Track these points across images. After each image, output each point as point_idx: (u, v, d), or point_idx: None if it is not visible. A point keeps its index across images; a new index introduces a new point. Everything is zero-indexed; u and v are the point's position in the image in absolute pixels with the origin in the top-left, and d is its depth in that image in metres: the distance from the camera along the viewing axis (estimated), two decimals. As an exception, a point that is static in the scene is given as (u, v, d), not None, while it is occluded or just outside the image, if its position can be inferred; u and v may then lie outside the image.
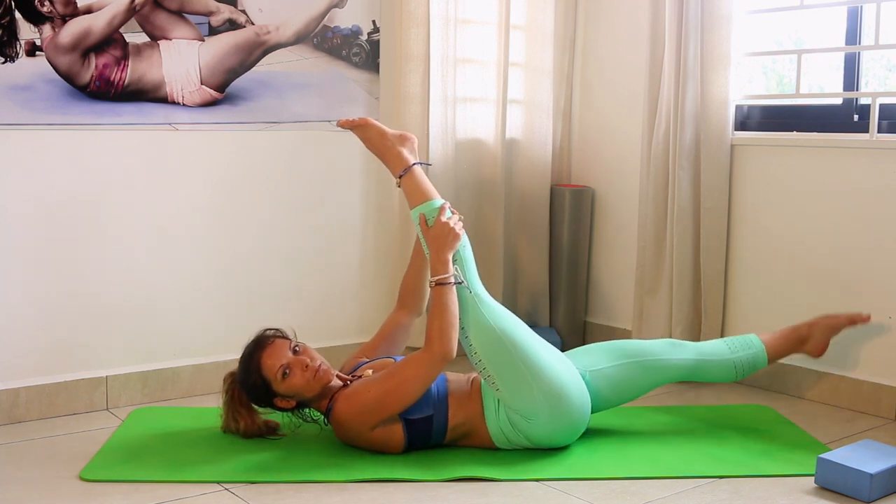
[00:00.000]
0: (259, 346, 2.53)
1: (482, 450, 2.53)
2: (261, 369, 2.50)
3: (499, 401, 2.51)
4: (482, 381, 2.55)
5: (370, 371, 2.61)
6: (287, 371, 2.48)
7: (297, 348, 2.53)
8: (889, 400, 2.93)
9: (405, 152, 2.62)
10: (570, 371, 2.55)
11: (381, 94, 3.43)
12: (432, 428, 2.49)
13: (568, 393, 2.49)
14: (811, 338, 2.80)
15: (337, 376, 2.58)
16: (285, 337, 2.58)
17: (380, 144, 2.65)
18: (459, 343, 2.48)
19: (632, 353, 2.68)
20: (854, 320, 2.82)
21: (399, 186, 2.62)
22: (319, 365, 2.51)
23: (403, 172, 2.59)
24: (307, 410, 2.60)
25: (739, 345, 2.74)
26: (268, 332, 2.59)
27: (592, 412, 2.63)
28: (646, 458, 2.53)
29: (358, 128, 2.68)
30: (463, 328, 2.49)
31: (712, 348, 2.73)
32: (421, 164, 2.63)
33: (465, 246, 2.57)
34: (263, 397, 2.54)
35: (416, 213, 2.57)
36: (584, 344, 3.77)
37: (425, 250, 2.56)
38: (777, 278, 3.21)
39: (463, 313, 2.49)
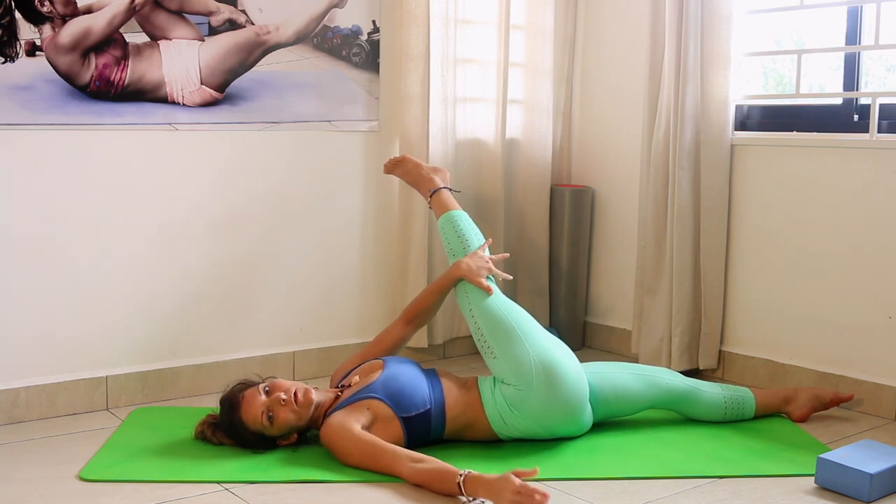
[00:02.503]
0: (233, 408, 2.50)
1: (483, 449, 2.54)
2: (248, 427, 2.48)
3: (495, 383, 2.57)
4: (478, 378, 2.63)
5: (357, 377, 2.63)
6: (270, 415, 2.47)
7: (266, 389, 2.50)
8: (889, 400, 2.93)
9: (437, 179, 3.00)
10: (568, 354, 2.64)
11: (381, 94, 3.43)
12: (431, 422, 2.51)
13: (564, 367, 2.57)
14: (795, 400, 2.88)
15: (326, 390, 2.62)
16: (250, 384, 2.55)
17: (416, 174, 3.03)
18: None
19: (631, 368, 2.78)
20: (841, 398, 2.90)
21: (430, 207, 2.99)
22: (294, 392, 2.49)
23: (434, 192, 2.96)
24: (309, 433, 2.59)
25: (731, 388, 2.86)
26: (234, 389, 2.55)
27: (594, 419, 2.70)
28: (646, 458, 2.53)
29: (398, 165, 3.07)
30: (470, 309, 2.69)
31: (705, 383, 2.84)
32: (450, 189, 2.98)
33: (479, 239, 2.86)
34: (266, 445, 2.51)
35: (442, 220, 2.89)
36: (583, 344, 3.82)
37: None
38: (777, 278, 3.21)
39: (471, 295, 2.71)
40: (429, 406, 2.51)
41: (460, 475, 2.15)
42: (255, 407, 2.47)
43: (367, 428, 2.44)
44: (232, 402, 2.51)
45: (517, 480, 2.07)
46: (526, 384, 2.53)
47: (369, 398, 2.49)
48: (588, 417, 2.66)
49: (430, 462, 2.26)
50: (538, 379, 2.53)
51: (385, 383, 2.53)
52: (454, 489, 2.16)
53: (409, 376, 2.56)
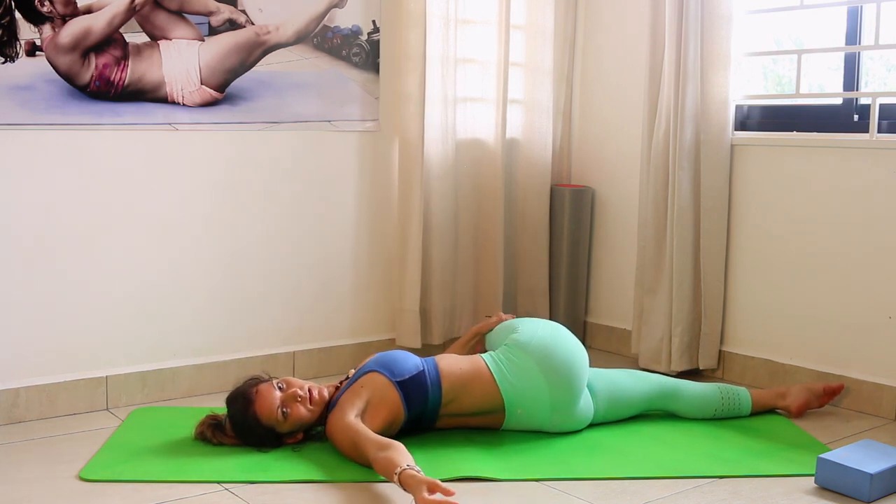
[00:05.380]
0: (248, 401, 2.50)
1: (483, 448, 2.54)
2: (260, 421, 2.49)
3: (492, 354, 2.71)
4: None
5: (352, 371, 2.67)
6: (285, 410, 2.49)
7: (281, 385, 2.53)
8: (889, 400, 2.93)
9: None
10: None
11: (381, 94, 3.43)
12: (427, 384, 2.56)
13: (569, 334, 2.76)
14: (790, 394, 2.92)
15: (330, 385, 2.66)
16: (262, 380, 2.57)
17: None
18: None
19: (624, 370, 2.89)
20: (832, 388, 2.93)
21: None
22: (310, 390, 2.54)
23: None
24: (314, 430, 2.61)
25: (726, 385, 2.92)
26: (247, 383, 2.56)
27: (593, 420, 2.75)
28: (646, 458, 2.53)
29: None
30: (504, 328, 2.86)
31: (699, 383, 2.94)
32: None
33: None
34: (273, 442, 2.53)
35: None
36: (583, 344, 3.81)
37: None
38: (777, 278, 3.21)
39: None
40: (422, 368, 2.58)
41: (397, 471, 2.15)
42: (271, 401, 2.49)
43: (364, 411, 2.48)
44: (246, 396, 2.52)
45: (427, 496, 2.03)
46: (532, 327, 2.71)
47: (363, 374, 2.55)
48: (587, 403, 2.70)
49: (392, 451, 2.24)
50: (545, 325, 2.74)
51: (377, 359, 2.63)
52: (393, 481, 2.17)
53: (400, 351, 2.67)
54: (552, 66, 3.70)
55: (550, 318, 3.75)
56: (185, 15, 2.99)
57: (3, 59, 2.71)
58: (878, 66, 3.19)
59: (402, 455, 2.21)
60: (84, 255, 2.88)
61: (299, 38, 3.23)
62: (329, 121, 3.32)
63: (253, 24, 3.12)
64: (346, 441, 2.41)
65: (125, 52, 2.89)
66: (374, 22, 3.38)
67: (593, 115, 3.80)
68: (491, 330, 2.92)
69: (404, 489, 2.12)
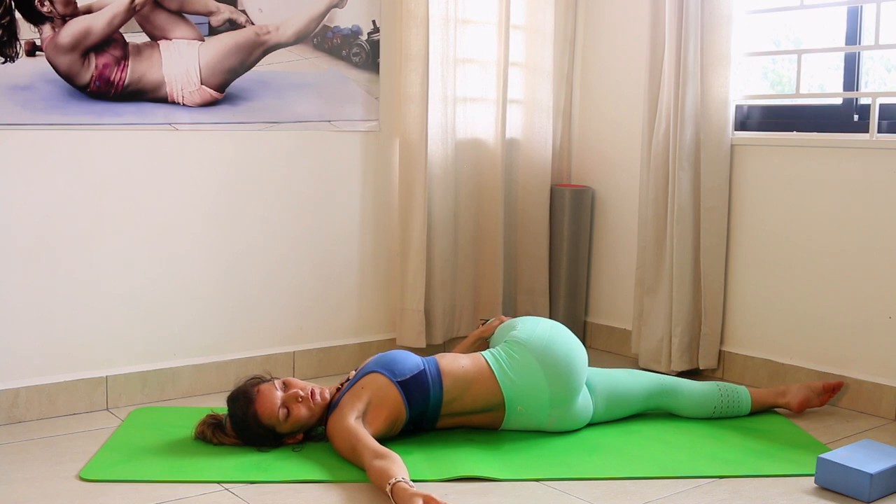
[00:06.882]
0: (249, 401, 2.50)
1: (483, 447, 2.54)
2: (261, 421, 2.49)
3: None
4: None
5: (353, 372, 2.67)
6: (286, 410, 2.50)
7: (282, 386, 2.53)
8: (889, 400, 2.93)
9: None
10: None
11: (381, 94, 3.43)
12: (428, 384, 2.55)
13: (568, 331, 2.76)
14: (789, 392, 2.93)
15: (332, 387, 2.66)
16: (263, 380, 2.57)
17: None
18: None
19: (623, 370, 2.89)
20: (831, 385, 2.94)
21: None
22: (312, 391, 2.54)
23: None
24: (314, 431, 2.62)
25: (725, 383, 2.93)
26: (248, 383, 2.57)
27: (593, 418, 2.76)
28: (646, 458, 2.53)
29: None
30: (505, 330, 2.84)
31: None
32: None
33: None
34: (272, 442, 2.53)
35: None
36: (583, 344, 3.81)
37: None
38: (777, 278, 3.21)
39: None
40: (423, 367, 2.57)
41: (391, 482, 2.13)
42: (272, 401, 2.49)
43: (364, 412, 2.47)
44: (248, 395, 2.52)
45: None
46: (531, 325, 2.73)
47: (364, 375, 2.55)
48: (587, 402, 2.71)
49: (388, 461, 2.23)
50: (545, 322, 2.75)
51: (377, 359, 2.62)
52: (385, 492, 2.15)
53: (400, 351, 2.66)
54: (552, 66, 3.70)
55: (550, 318, 3.76)
56: (185, 15, 2.99)
57: (3, 59, 2.71)
58: (878, 66, 3.19)
59: (397, 467, 2.20)
60: (84, 254, 2.88)
61: (299, 38, 3.23)
62: (329, 121, 3.32)
63: (253, 24, 3.12)
64: (345, 444, 2.40)
65: (125, 52, 2.89)
66: (374, 22, 3.38)
67: (593, 115, 3.80)
68: (493, 334, 2.92)
69: (395, 502, 2.11)
